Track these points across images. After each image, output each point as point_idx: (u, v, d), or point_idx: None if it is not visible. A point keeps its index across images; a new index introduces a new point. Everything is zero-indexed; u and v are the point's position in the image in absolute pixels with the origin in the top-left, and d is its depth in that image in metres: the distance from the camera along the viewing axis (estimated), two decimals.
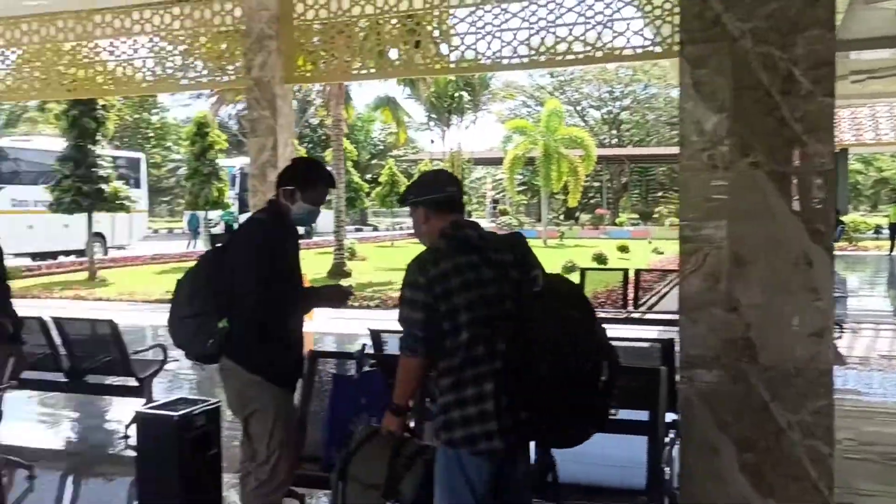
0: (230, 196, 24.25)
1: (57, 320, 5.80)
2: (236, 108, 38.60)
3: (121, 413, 6.40)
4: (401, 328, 2.74)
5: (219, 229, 26.28)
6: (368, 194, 34.07)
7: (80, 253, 21.63)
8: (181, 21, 11.38)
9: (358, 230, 39.88)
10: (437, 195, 2.82)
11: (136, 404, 6.09)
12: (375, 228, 44.68)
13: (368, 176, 42.31)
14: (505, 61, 9.17)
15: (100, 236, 21.54)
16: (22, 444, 5.40)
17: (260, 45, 10.56)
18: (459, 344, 2.63)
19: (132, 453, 5.51)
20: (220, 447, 3.79)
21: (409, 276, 2.70)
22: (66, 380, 5.90)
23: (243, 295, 3.22)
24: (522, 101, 55.70)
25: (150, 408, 3.76)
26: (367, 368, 3.80)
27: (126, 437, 5.68)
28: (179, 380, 7.74)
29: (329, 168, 4.49)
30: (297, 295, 3.36)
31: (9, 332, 3.74)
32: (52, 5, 11.66)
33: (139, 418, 3.71)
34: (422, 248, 2.87)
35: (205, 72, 11.68)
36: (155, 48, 11.86)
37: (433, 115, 48.65)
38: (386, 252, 27.08)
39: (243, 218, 27.10)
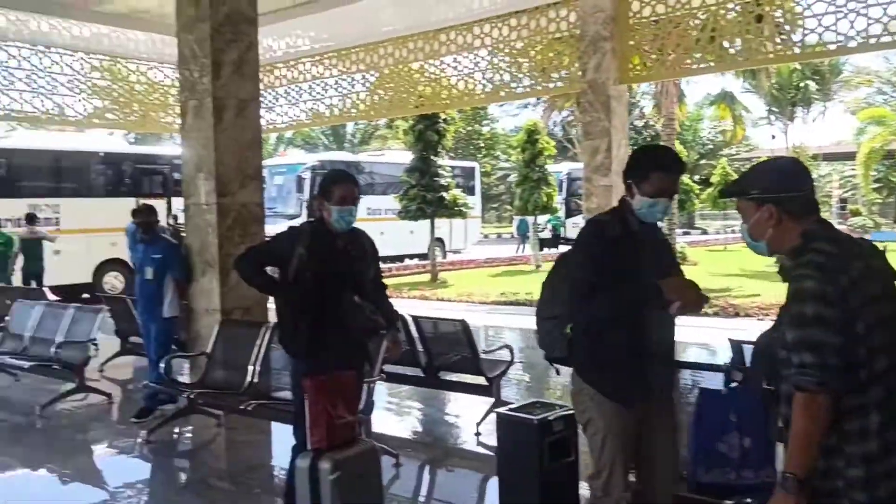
0: (558, 201, 24.69)
1: (415, 318, 6.21)
2: (561, 115, 39.35)
3: (466, 409, 6.70)
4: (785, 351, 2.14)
5: (546, 234, 26.90)
6: (698, 196, 32.58)
7: (422, 256, 23.51)
8: (517, 31, 11.78)
9: (685, 233, 38.41)
10: (797, 193, 2.27)
11: (482, 402, 6.36)
12: (704, 232, 42.68)
13: (696, 177, 40.51)
14: (872, 41, 8.10)
15: (439, 241, 23.18)
16: (386, 433, 5.87)
17: (594, 48, 10.54)
18: (877, 373, 2.09)
19: (483, 450, 5.75)
20: (578, 455, 3.70)
21: (811, 286, 2.08)
22: (422, 375, 6.30)
23: (571, 298, 3.08)
24: (877, 88, 49.54)
25: (510, 410, 3.79)
26: (734, 383, 3.47)
27: (478, 434, 5.90)
28: (511, 382, 7.87)
29: None
30: (641, 299, 2.99)
31: (382, 326, 4.00)
32: (405, 29, 12.78)
33: (499, 419, 3.77)
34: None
35: (539, 79, 11.97)
36: (493, 61, 12.44)
37: (774, 109, 45.25)
38: (718, 256, 25.67)
39: (570, 222, 27.31)
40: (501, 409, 3.90)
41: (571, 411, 3.63)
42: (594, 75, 10.58)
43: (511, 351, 6.09)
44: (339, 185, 3.93)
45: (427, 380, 6.33)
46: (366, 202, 23.48)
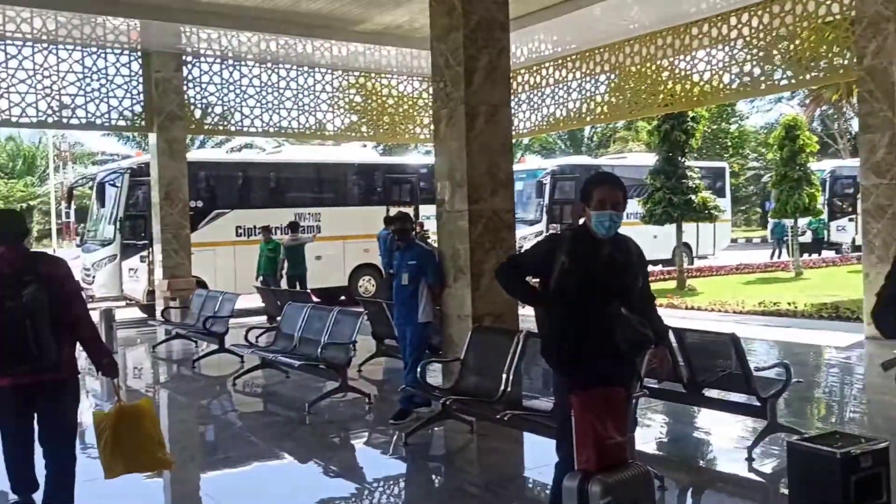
0: (820, 202, 22.51)
1: (677, 331, 5.78)
2: (819, 109, 36.12)
3: (728, 429, 6.19)
4: None
5: (806, 238, 24.69)
6: None
7: (665, 262, 22.50)
8: (781, 18, 10.84)
9: None
10: None
11: (748, 423, 5.81)
12: None
13: None
14: None
15: (686, 246, 22.05)
16: (645, 451, 5.52)
17: (874, 30, 9.42)
18: None
19: (756, 477, 5.24)
20: (890, 496, 3.17)
21: None
22: (682, 391, 5.87)
23: None
24: None
25: (804, 440, 3.34)
26: None
27: (750, 459, 5.36)
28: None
29: None
30: None
31: (651, 340, 3.69)
32: (651, 25, 12.26)
33: (791, 450, 3.33)
34: None
35: (804, 68, 10.92)
36: (751, 52, 11.55)
37: None
38: None
39: (834, 226, 24.83)
40: (794, 439, 3.45)
41: (881, 444, 3.13)
42: (873, 61, 9.47)
43: (788, 369, 5.46)
44: (599, 187, 3.73)
45: (688, 396, 5.88)
46: None
